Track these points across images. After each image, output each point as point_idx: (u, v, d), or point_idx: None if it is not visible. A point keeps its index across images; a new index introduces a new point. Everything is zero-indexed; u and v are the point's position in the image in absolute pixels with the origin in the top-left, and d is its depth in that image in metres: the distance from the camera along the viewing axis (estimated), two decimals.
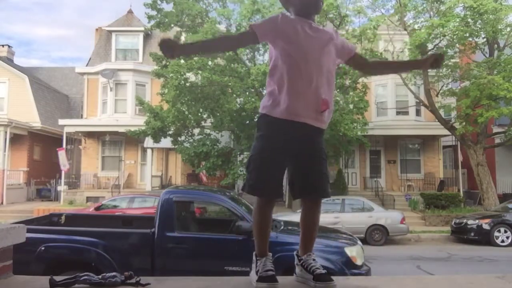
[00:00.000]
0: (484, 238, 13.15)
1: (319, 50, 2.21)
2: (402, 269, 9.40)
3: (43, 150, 23.40)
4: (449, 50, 17.34)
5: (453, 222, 14.32)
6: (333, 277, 2.18)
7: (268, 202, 2.25)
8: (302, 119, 2.17)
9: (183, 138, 16.67)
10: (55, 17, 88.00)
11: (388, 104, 21.17)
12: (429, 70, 17.44)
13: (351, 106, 15.84)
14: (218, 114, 15.57)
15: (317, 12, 2.33)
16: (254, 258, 2.27)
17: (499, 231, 13.20)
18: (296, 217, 5.47)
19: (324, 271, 2.19)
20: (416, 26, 17.26)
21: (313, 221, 2.35)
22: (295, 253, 2.37)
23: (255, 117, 13.49)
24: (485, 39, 17.10)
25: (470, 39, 16.94)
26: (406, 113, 21.12)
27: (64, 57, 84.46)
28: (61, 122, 21.18)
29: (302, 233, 2.36)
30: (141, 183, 21.61)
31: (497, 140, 19.37)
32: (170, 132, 16.30)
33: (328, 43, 2.26)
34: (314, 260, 2.27)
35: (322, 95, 2.17)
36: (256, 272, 2.17)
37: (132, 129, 16.97)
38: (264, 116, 2.23)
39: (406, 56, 17.67)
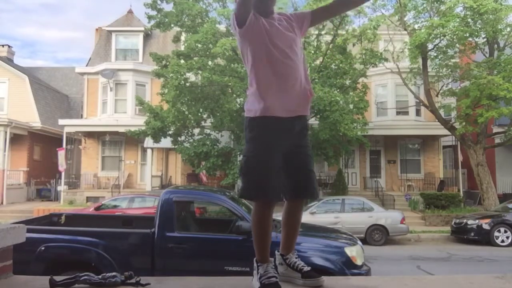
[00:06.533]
0: (484, 238, 13.15)
1: (292, 40, 2.24)
2: (402, 269, 9.40)
3: (43, 150, 23.39)
4: (449, 50, 17.36)
5: (453, 222, 14.32)
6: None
7: (268, 205, 2.17)
8: (294, 113, 2.21)
9: (183, 138, 16.66)
10: (62, 18, 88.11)
11: (388, 104, 21.17)
12: (429, 71, 17.51)
13: (351, 106, 15.84)
14: (218, 114, 15.56)
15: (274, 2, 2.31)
16: (255, 264, 2.17)
17: (499, 231, 13.20)
18: None
19: (309, 268, 2.21)
20: (416, 26, 17.27)
21: (298, 220, 2.35)
22: (278, 252, 2.34)
23: None
24: (485, 39, 17.10)
25: (470, 39, 16.94)
26: (406, 113, 21.12)
27: (69, 58, 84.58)
28: (61, 122, 21.17)
29: (286, 232, 2.34)
30: (141, 183, 21.61)
31: (497, 140, 19.37)
32: (170, 132, 16.29)
33: (293, 28, 2.29)
34: (297, 258, 2.28)
35: (306, 86, 2.23)
36: (258, 279, 2.09)
37: (132, 129, 16.96)
38: (256, 118, 2.17)
39: (406, 56, 17.70)
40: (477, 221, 13.48)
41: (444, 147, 22.57)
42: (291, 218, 2.32)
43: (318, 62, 16.13)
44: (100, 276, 2.07)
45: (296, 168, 2.21)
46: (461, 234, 13.76)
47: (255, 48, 2.18)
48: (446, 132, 18.43)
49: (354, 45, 16.52)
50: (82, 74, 23.04)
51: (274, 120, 2.14)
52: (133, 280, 2.08)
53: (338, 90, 15.86)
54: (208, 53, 15.24)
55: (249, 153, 2.16)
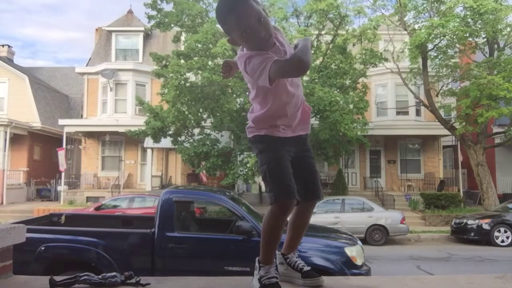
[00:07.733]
0: (484, 238, 13.16)
1: None
2: (402, 269, 9.40)
3: (43, 150, 23.40)
4: (449, 50, 17.36)
5: (453, 222, 14.33)
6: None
7: (292, 208, 2.14)
8: (300, 132, 2.23)
9: (183, 138, 16.66)
10: (63, 19, 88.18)
11: (388, 104, 21.17)
12: (429, 71, 17.52)
13: (351, 106, 15.83)
14: (218, 114, 15.56)
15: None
16: (257, 264, 2.16)
17: (499, 231, 13.21)
18: None
19: (309, 268, 2.22)
20: (416, 26, 17.27)
21: (306, 221, 2.35)
22: (278, 252, 2.33)
23: None
24: (485, 39, 17.10)
25: (470, 39, 16.95)
26: (406, 113, 21.13)
27: (70, 58, 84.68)
28: (61, 122, 21.17)
29: (292, 232, 2.33)
30: (141, 183, 21.61)
31: (497, 140, 19.37)
32: (170, 132, 16.29)
33: (291, 48, 2.24)
34: (298, 257, 2.29)
35: (307, 108, 2.25)
36: (259, 280, 2.09)
37: (132, 129, 16.95)
38: (264, 136, 2.15)
39: (406, 56, 17.70)
40: (477, 221, 13.48)
41: (444, 147, 22.58)
42: (301, 219, 2.32)
43: (318, 62, 16.13)
44: (100, 276, 2.07)
45: (307, 171, 2.23)
46: (461, 234, 13.76)
47: (276, 88, 2.09)
48: (446, 132, 18.44)
49: (354, 45, 16.51)
50: (82, 74, 23.05)
51: (284, 138, 2.17)
52: (133, 280, 2.08)
53: (338, 90, 15.86)
54: (208, 53, 15.24)
55: (269, 160, 2.14)
